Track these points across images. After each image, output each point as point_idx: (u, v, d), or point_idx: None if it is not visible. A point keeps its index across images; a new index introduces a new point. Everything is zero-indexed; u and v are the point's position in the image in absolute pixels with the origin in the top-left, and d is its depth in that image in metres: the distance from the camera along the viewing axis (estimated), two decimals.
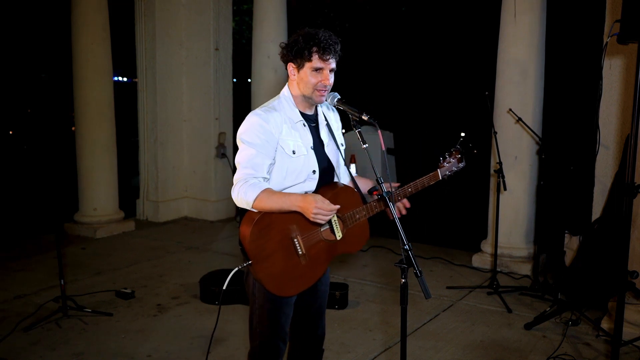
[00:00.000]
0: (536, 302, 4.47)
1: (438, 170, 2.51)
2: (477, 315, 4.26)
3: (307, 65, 2.26)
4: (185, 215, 7.42)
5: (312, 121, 2.41)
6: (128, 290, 4.57)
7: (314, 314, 2.55)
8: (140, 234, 6.55)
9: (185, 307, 4.38)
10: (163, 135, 7.14)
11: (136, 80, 7.26)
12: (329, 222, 2.34)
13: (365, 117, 2.21)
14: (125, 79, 12.60)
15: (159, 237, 6.46)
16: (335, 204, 2.22)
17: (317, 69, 2.26)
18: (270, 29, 6.06)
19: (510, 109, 4.88)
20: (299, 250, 2.27)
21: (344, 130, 2.63)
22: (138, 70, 7.11)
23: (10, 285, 4.79)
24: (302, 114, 2.37)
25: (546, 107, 5.26)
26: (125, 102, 7.84)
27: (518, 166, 5.10)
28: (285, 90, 2.39)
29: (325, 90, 2.30)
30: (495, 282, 4.66)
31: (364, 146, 2.22)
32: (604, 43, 3.56)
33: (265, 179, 2.26)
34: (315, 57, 2.25)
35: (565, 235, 4.92)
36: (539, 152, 5.08)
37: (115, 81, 6.67)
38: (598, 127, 4.13)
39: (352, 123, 2.34)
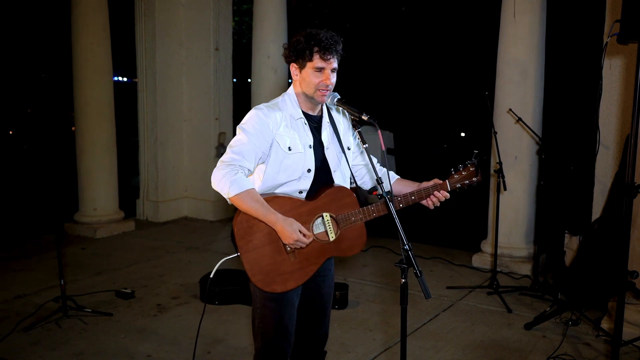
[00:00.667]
0: (536, 302, 4.47)
1: (447, 181, 2.39)
2: (477, 315, 4.26)
3: (309, 65, 2.27)
4: (185, 215, 7.42)
5: (314, 122, 2.41)
6: (128, 290, 4.57)
7: (316, 314, 2.54)
8: (140, 234, 6.55)
9: (185, 307, 4.38)
10: (163, 135, 7.14)
11: (136, 80, 7.26)
12: (322, 223, 2.33)
13: (365, 117, 2.21)
14: (125, 79, 12.60)
15: (159, 237, 6.46)
16: (329, 202, 2.29)
17: (318, 69, 2.27)
18: (270, 29, 6.06)
19: (510, 109, 4.88)
20: (287, 246, 2.27)
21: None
22: (138, 70, 7.11)
23: (10, 285, 4.79)
24: (305, 114, 2.37)
25: (546, 107, 5.26)
26: (125, 102, 7.84)
27: (518, 166, 5.10)
28: (290, 89, 2.42)
29: (327, 90, 2.30)
30: (495, 282, 4.66)
31: (364, 146, 2.23)
32: (604, 43, 3.56)
33: (249, 171, 2.28)
34: (316, 56, 2.26)
35: (565, 235, 4.92)
36: (539, 152, 5.08)
37: (115, 81, 6.67)
38: (598, 127, 4.13)
39: (352, 123, 2.34)
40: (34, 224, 6.53)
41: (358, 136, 2.29)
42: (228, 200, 2.23)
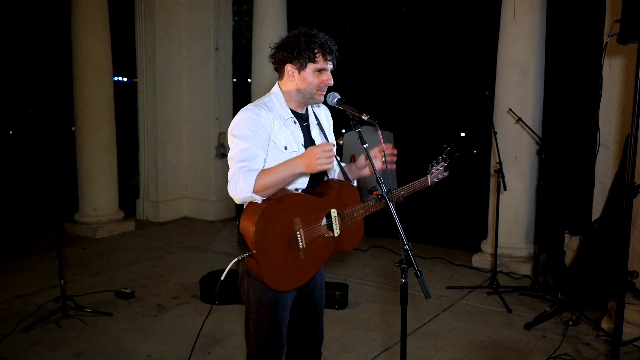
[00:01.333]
0: (536, 302, 4.47)
1: (428, 176, 2.63)
2: (477, 315, 4.26)
3: (311, 66, 2.26)
4: (185, 215, 7.42)
5: (303, 120, 2.40)
6: (128, 290, 4.57)
7: (311, 317, 2.53)
8: (140, 234, 6.55)
9: (185, 307, 4.38)
10: (163, 135, 7.14)
11: (136, 80, 7.26)
12: (329, 217, 2.33)
13: (365, 117, 2.21)
14: (125, 79, 12.60)
15: (159, 237, 6.46)
16: (338, 199, 2.28)
17: (320, 70, 2.27)
18: (270, 29, 6.06)
19: (510, 109, 4.88)
20: (300, 244, 2.22)
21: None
22: (138, 70, 7.12)
23: (10, 285, 4.79)
24: (293, 112, 2.36)
25: (546, 107, 5.26)
26: (125, 102, 7.84)
27: (518, 166, 5.10)
28: (275, 88, 2.38)
29: (325, 90, 2.30)
30: (495, 282, 4.66)
31: (364, 146, 2.23)
32: (604, 43, 3.56)
33: None
34: (319, 58, 2.25)
35: (565, 235, 4.92)
36: (539, 152, 5.08)
37: (115, 81, 6.67)
38: (598, 127, 4.13)
39: (352, 123, 2.34)
40: (34, 224, 6.54)
41: (358, 136, 2.29)
42: (257, 197, 2.16)
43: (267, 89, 2.44)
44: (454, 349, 3.73)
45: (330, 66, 2.30)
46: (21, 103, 11.56)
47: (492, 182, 5.29)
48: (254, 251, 2.14)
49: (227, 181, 2.31)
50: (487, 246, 5.32)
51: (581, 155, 5.38)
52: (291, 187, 2.32)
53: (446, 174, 2.69)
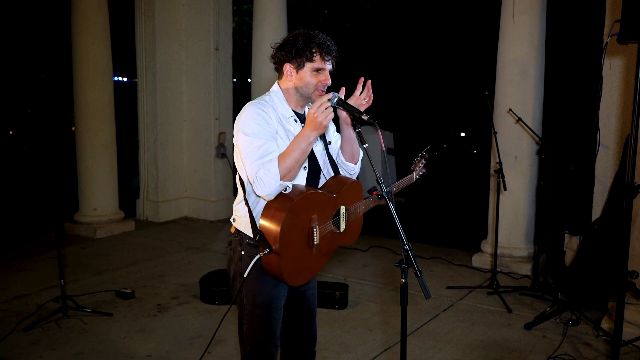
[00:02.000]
0: (536, 302, 4.47)
1: (413, 173, 2.77)
2: (477, 315, 4.26)
3: (308, 65, 2.26)
4: (185, 215, 7.42)
5: (302, 119, 2.40)
6: (128, 290, 4.57)
7: (305, 316, 2.54)
8: (140, 234, 6.55)
9: (185, 307, 4.38)
10: (163, 135, 7.14)
11: (136, 80, 7.26)
12: (338, 214, 2.35)
13: (365, 117, 2.21)
14: (125, 79, 12.61)
15: (159, 237, 6.46)
16: (348, 195, 2.36)
17: (318, 70, 2.27)
18: (270, 29, 6.06)
19: (510, 109, 4.88)
20: (315, 240, 2.26)
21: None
22: (138, 70, 7.11)
23: (10, 285, 4.79)
24: (294, 112, 2.37)
25: (546, 107, 5.26)
26: (125, 102, 7.84)
27: (518, 166, 5.10)
28: (275, 86, 2.38)
29: (324, 91, 2.30)
30: (495, 282, 4.66)
31: (364, 146, 2.23)
32: (604, 43, 3.56)
33: None
34: (317, 57, 2.25)
35: (565, 235, 4.92)
36: (539, 152, 5.08)
37: (115, 81, 6.66)
38: (598, 127, 4.13)
39: (352, 123, 2.34)
40: (34, 224, 6.53)
41: (358, 136, 2.29)
42: (286, 183, 2.15)
43: (267, 89, 2.44)
44: (454, 349, 3.73)
45: (328, 66, 2.29)
46: (21, 103, 11.56)
47: (492, 182, 5.29)
48: (278, 246, 2.14)
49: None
50: (487, 246, 5.32)
51: (581, 155, 5.38)
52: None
53: (424, 170, 2.83)
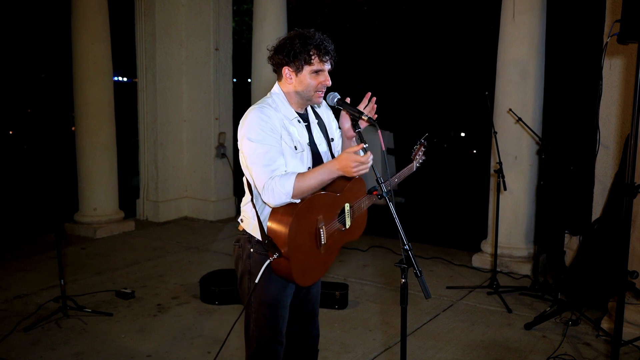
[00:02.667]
0: (536, 302, 4.47)
1: (414, 162, 2.77)
2: (477, 315, 4.26)
3: (307, 68, 2.26)
4: (185, 215, 7.42)
5: (304, 120, 2.41)
6: (128, 290, 4.57)
7: (309, 315, 2.56)
8: (140, 234, 6.55)
9: (185, 307, 4.38)
10: (163, 135, 7.14)
11: (136, 80, 7.26)
12: (343, 212, 2.37)
13: (365, 118, 2.21)
14: (125, 79, 12.61)
15: (159, 237, 6.46)
16: (351, 193, 2.37)
17: (317, 71, 2.26)
18: (270, 29, 6.06)
19: (510, 109, 4.88)
20: (323, 239, 2.29)
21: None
22: (138, 70, 7.11)
23: (10, 285, 4.79)
24: (296, 112, 2.37)
25: (546, 107, 5.26)
26: (125, 102, 7.84)
27: (518, 166, 5.10)
28: (276, 88, 2.38)
29: (324, 92, 2.31)
30: (495, 282, 4.66)
31: (364, 146, 2.23)
32: (604, 43, 3.56)
33: (285, 171, 2.22)
34: (315, 59, 2.25)
35: (565, 235, 4.92)
36: (539, 152, 5.08)
37: (115, 81, 6.66)
38: (598, 127, 4.13)
39: (352, 123, 2.34)
40: (34, 224, 6.53)
41: (358, 136, 2.29)
42: (294, 199, 2.17)
43: (267, 89, 2.44)
44: (454, 349, 3.73)
45: (327, 67, 2.29)
46: (21, 103, 11.56)
47: (492, 182, 5.29)
48: (286, 250, 2.18)
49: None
50: (487, 246, 5.32)
51: (581, 155, 5.38)
52: None
53: (424, 157, 2.83)
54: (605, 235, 4.22)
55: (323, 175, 2.18)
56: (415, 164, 2.77)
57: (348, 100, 2.35)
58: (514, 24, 4.98)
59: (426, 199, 8.17)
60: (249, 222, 2.37)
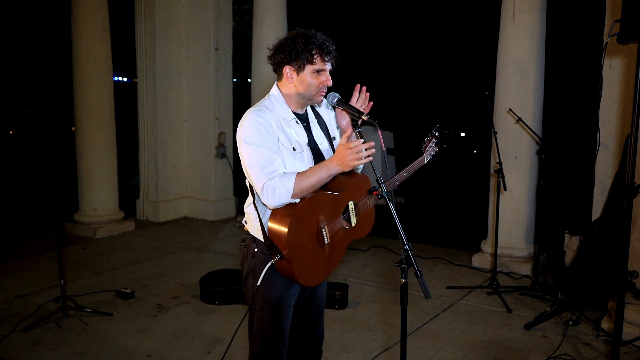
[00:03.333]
0: (536, 302, 4.47)
1: (424, 155, 2.71)
2: (477, 315, 4.26)
3: (309, 67, 2.26)
4: (185, 215, 7.42)
5: (303, 120, 2.41)
6: (128, 290, 4.57)
7: (314, 315, 2.56)
8: (140, 234, 6.55)
9: (185, 307, 4.38)
10: (163, 135, 7.14)
11: (136, 80, 7.26)
12: (347, 210, 2.36)
13: (365, 117, 2.21)
14: (125, 79, 12.61)
15: (159, 237, 6.46)
16: (355, 190, 2.36)
17: (318, 71, 2.27)
18: (270, 29, 6.06)
19: (510, 109, 4.88)
20: (325, 239, 2.29)
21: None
22: (138, 70, 7.11)
23: (10, 285, 4.79)
24: (294, 113, 2.37)
25: (546, 107, 5.26)
26: (125, 102, 7.84)
27: (518, 166, 5.10)
28: (274, 89, 2.38)
29: (325, 91, 2.31)
30: (495, 282, 4.66)
31: (357, 130, 2.24)
32: (604, 43, 3.56)
33: (284, 172, 2.23)
34: (317, 59, 2.25)
35: (565, 235, 4.92)
36: (539, 152, 5.08)
37: (115, 81, 6.66)
38: (598, 127, 4.13)
39: (352, 123, 2.34)
40: (34, 224, 6.53)
41: (358, 136, 2.30)
42: (294, 199, 2.18)
43: (267, 89, 2.44)
44: (454, 349, 3.73)
45: (328, 67, 2.30)
46: (21, 103, 11.56)
47: (492, 182, 5.29)
48: (287, 251, 2.19)
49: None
50: (487, 246, 5.32)
51: (581, 155, 5.38)
52: None
53: (436, 149, 2.79)
54: (605, 235, 4.22)
55: (321, 172, 2.19)
56: (426, 157, 2.73)
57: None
58: (514, 24, 4.97)
59: (426, 199, 8.17)
60: (252, 224, 2.38)
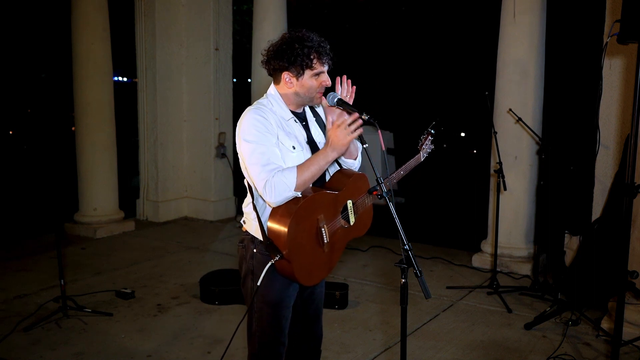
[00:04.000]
0: (536, 302, 4.47)
1: (420, 152, 2.75)
2: (477, 315, 4.26)
3: (308, 72, 2.26)
4: (185, 215, 7.42)
5: (302, 119, 2.42)
6: (128, 290, 4.57)
7: (312, 315, 2.56)
8: (140, 234, 6.55)
9: (185, 307, 4.38)
10: (163, 135, 7.14)
11: (136, 80, 7.26)
12: (346, 209, 2.37)
13: (365, 117, 2.21)
14: (125, 79, 12.62)
15: (159, 237, 6.46)
16: (353, 189, 2.37)
17: (317, 74, 2.28)
18: (270, 29, 6.06)
19: (510, 109, 4.88)
20: (325, 239, 2.29)
21: None
22: (138, 70, 7.11)
23: (10, 285, 4.79)
24: (293, 112, 2.38)
25: (546, 107, 5.26)
26: (125, 102, 7.84)
27: (518, 166, 5.10)
28: (272, 89, 2.38)
29: (323, 92, 2.32)
30: (495, 282, 4.66)
31: (364, 146, 2.24)
32: (604, 43, 3.56)
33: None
34: (316, 63, 2.26)
35: (565, 235, 4.92)
36: (539, 152, 5.08)
37: (115, 81, 6.66)
38: (598, 127, 4.13)
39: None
40: (34, 224, 6.53)
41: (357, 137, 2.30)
42: (296, 194, 2.19)
43: (267, 89, 2.44)
44: (454, 349, 3.73)
45: (326, 67, 2.31)
46: (21, 103, 11.57)
47: (492, 182, 5.29)
48: (287, 251, 2.19)
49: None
50: (487, 246, 5.32)
51: (581, 155, 5.38)
52: None
53: (432, 146, 2.81)
54: (605, 235, 4.22)
55: (319, 160, 2.21)
56: (422, 154, 2.75)
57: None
58: (514, 24, 4.98)
59: (426, 199, 8.17)
60: (250, 224, 2.38)
